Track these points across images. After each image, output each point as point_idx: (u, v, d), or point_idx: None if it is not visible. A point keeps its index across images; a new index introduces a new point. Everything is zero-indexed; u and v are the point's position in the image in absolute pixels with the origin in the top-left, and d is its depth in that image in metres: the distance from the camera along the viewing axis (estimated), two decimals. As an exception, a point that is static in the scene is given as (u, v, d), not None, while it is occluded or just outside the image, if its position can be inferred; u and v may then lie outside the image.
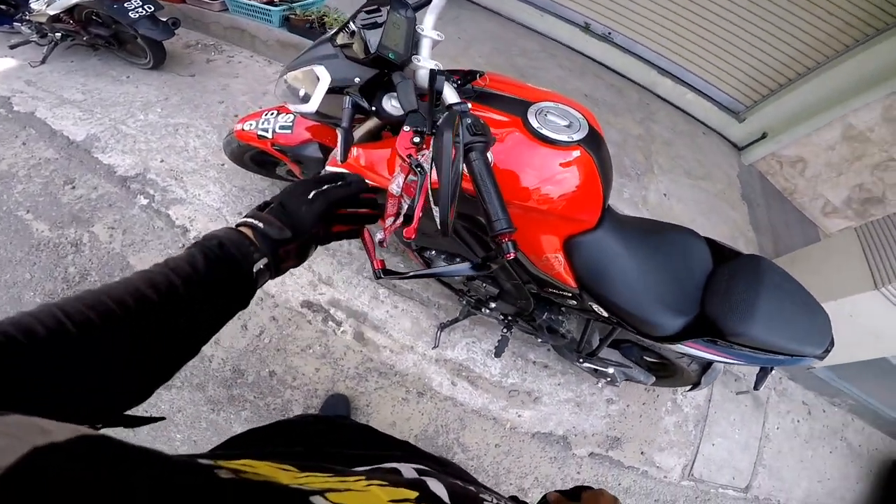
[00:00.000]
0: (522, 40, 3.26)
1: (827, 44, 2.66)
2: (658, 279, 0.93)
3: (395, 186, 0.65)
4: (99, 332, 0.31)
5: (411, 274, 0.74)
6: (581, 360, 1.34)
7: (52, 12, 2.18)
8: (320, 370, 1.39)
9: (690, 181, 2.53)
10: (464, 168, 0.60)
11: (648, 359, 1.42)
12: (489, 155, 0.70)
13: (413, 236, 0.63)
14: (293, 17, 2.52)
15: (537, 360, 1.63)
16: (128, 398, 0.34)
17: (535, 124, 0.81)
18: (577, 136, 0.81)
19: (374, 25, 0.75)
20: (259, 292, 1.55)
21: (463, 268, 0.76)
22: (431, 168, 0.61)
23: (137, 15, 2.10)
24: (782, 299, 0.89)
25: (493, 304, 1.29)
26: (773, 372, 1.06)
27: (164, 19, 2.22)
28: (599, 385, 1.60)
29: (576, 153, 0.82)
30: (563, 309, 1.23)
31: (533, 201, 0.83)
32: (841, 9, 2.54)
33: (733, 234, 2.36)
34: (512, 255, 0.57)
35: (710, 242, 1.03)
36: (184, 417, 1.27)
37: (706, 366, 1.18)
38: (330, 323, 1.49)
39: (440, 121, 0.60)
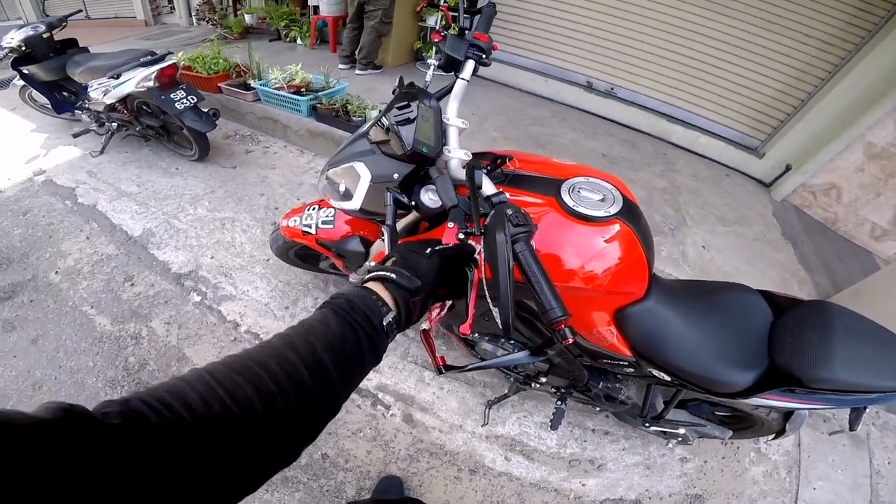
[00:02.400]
0: (532, 108, 3.53)
1: (816, 66, 2.83)
2: (717, 337, 0.93)
3: None
4: (260, 413, 0.33)
5: (470, 367, 0.74)
6: (647, 425, 1.29)
7: (108, 101, 2.49)
8: (371, 452, 1.40)
9: (726, 228, 2.54)
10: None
11: (721, 413, 1.37)
12: (532, 242, 0.75)
13: (469, 332, 0.65)
14: (319, 105, 2.84)
15: (597, 428, 1.58)
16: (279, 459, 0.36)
17: (569, 203, 0.83)
18: (613, 210, 0.82)
19: (407, 121, 0.81)
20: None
21: (521, 356, 0.75)
22: (480, 262, 0.63)
23: (183, 106, 2.37)
24: (859, 338, 0.88)
25: (543, 379, 1.29)
26: (868, 410, 1.01)
27: (206, 110, 2.50)
28: (670, 445, 1.52)
29: (615, 227, 0.82)
30: (619, 376, 1.22)
31: (578, 280, 0.83)
32: (816, 29, 2.76)
33: (783, 276, 2.32)
34: (570, 341, 0.57)
35: (766, 294, 1.03)
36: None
37: (788, 413, 1.13)
38: (379, 407, 1.53)
39: (488, 219, 0.61)
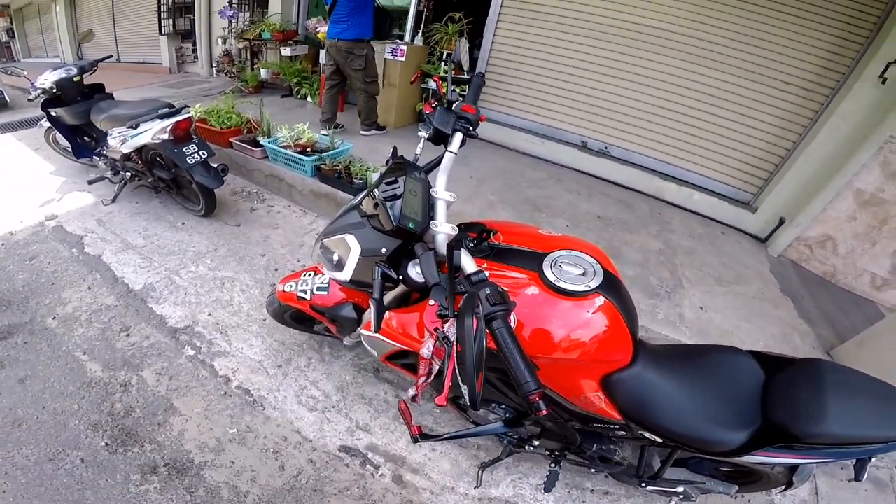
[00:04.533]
0: (530, 170, 3.75)
1: (799, 113, 3.05)
2: (706, 398, 0.97)
3: (426, 350, 0.74)
4: None
5: (447, 436, 0.76)
6: (644, 485, 1.28)
7: (125, 150, 2.64)
8: (358, 514, 1.37)
9: (723, 288, 2.61)
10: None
11: (725, 469, 1.36)
12: (512, 316, 0.77)
13: (444, 404, 0.68)
14: (323, 166, 3.02)
15: (596, 488, 1.55)
16: None
17: (551, 278, 0.87)
18: (593, 284, 0.86)
19: (394, 197, 0.86)
20: (296, 436, 1.64)
21: (496, 427, 0.79)
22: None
23: (194, 160, 2.51)
24: (850, 391, 0.92)
25: (536, 442, 1.30)
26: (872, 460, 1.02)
27: (216, 166, 2.64)
28: (673, 502, 1.48)
29: (596, 301, 0.87)
30: (613, 438, 1.24)
31: (561, 352, 0.87)
32: (794, 76, 3.00)
33: (784, 332, 2.35)
34: (544, 412, 0.61)
35: (757, 354, 1.07)
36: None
37: (793, 466, 1.13)
38: (368, 466, 1.52)
39: (461, 303, 0.66)
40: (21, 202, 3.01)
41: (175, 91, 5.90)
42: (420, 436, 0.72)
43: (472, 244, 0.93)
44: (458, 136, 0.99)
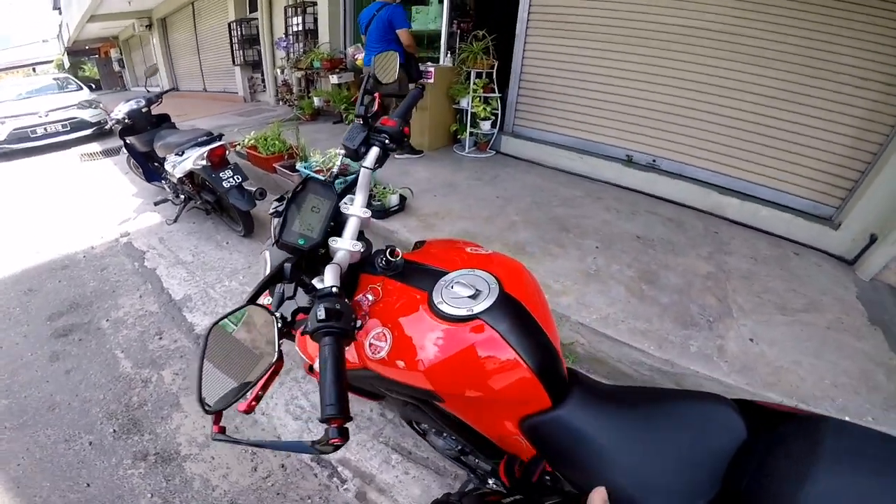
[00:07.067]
0: (564, 188, 3.64)
1: (882, 111, 2.61)
2: (651, 457, 0.79)
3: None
4: None
5: (244, 441, 0.71)
6: None
7: (177, 174, 3.06)
8: (314, 524, 1.41)
9: (786, 317, 2.26)
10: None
11: None
12: (387, 337, 0.78)
13: (245, 410, 0.69)
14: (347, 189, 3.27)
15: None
16: None
17: (436, 300, 0.80)
18: (477, 309, 0.77)
19: (277, 214, 0.87)
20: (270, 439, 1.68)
21: (299, 445, 0.67)
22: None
23: (229, 185, 2.84)
24: (854, 468, 0.65)
25: (491, 481, 1.22)
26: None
27: (253, 189, 2.94)
28: None
29: (475, 327, 0.77)
30: None
31: (449, 385, 0.79)
32: (873, 70, 2.58)
33: (864, 369, 1.96)
34: (338, 441, 0.58)
35: (749, 405, 0.84)
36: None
37: None
38: (335, 479, 1.56)
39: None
40: (104, 220, 3.68)
41: (243, 119, 6.75)
42: (221, 433, 0.68)
43: (383, 260, 0.90)
44: (374, 151, 0.98)
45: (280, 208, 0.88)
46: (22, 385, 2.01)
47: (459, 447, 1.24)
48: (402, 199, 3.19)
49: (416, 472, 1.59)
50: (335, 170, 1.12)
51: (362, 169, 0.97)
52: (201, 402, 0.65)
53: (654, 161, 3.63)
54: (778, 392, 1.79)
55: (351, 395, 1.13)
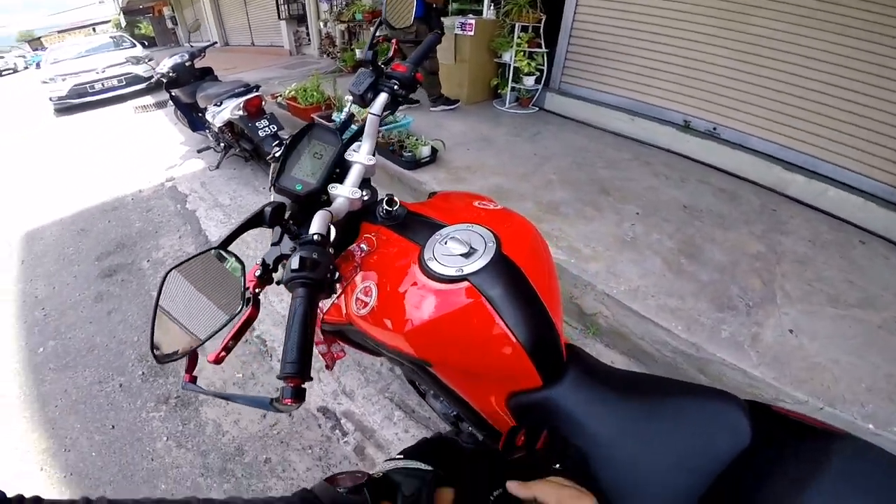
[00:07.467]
0: (612, 150, 3.40)
1: None
2: (633, 455, 0.73)
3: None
4: None
5: (210, 392, 0.69)
6: None
7: (217, 124, 3.21)
8: (311, 470, 1.50)
9: (837, 310, 2.04)
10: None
11: None
12: (373, 290, 0.73)
13: (213, 360, 0.65)
14: (379, 140, 3.22)
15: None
16: None
17: (426, 256, 0.73)
18: (467, 269, 0.69)
19: (275, 159, 0.84)
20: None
21: (259, 399, 0.63)
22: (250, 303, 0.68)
23: (264, 133, 2.94)
24: (861, 492, 0.56)
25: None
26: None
27: (286, 138, 3.04)
28: None
29: (462, 290, 0.69)
30: None
31: (430, 351, 0.73)
32: None
33: (916, 379, 1.77)
34: (290, 402, 0.54)
35: (760, 409, 0.74)
36: (176, 473, 1.52)
37: None
38: (337, 431, 1.64)
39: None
40: (152, 166, 3.89)
41: (288, 71, 6.75)
42: (191, 382, 0.67)
43: (384, 210, 0.86)
44: (382, 97, 0.91)
45: (278, 153, 0.85)
46: (68, 326, 2.20)
47: (455, 412, 1.24)
48: (434, 151, 3.12)
49: (415, 431, 1.63)
50: (343, 116, 1.06)
51: (369, 115, 0.90)
52: (152, 350, 0.63)
53: (714, 129, 3.29)
54: (805, 391, 1.65)
55: (351, 349, 1.16)
